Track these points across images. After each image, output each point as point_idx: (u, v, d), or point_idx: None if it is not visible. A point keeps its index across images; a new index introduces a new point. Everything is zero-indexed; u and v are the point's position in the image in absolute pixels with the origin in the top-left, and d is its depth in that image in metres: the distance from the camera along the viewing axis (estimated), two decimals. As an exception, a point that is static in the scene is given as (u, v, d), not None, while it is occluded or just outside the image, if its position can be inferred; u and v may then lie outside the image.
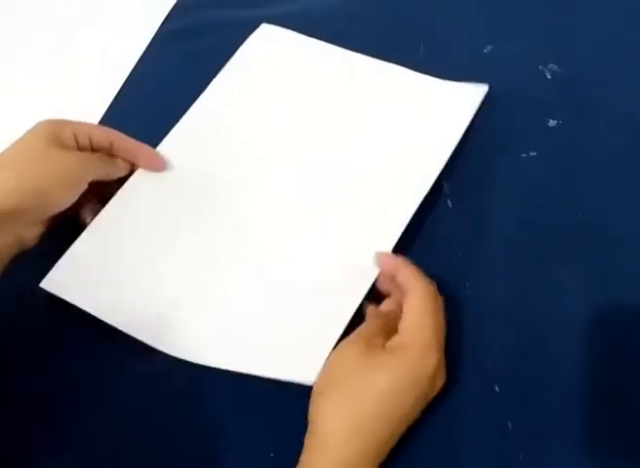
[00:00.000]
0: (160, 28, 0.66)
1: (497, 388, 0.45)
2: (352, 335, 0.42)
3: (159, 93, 0.62)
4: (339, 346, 0.42)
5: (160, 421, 0.45)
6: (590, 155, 0.55)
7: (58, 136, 0.47)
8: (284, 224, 0.51)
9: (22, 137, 0.48)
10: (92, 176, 0.48)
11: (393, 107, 0.57)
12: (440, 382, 0.42)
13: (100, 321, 0.46)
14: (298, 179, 0.53)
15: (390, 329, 0.42)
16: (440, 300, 0.43)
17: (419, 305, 0.42)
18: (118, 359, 0.48)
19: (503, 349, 0.47)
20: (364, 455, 0.38)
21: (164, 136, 0.55)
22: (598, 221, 0.52)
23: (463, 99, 0.56)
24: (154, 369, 0.47)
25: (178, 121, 0.58)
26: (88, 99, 0.61)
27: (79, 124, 0.50)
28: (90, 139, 0.49)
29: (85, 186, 0.48)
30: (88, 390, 0.47)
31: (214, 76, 0.61)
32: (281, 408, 0.42)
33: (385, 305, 0.45)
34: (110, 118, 0.60)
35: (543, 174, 0.54)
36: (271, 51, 0.62)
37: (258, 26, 0.65)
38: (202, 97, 0.58)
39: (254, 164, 0.54)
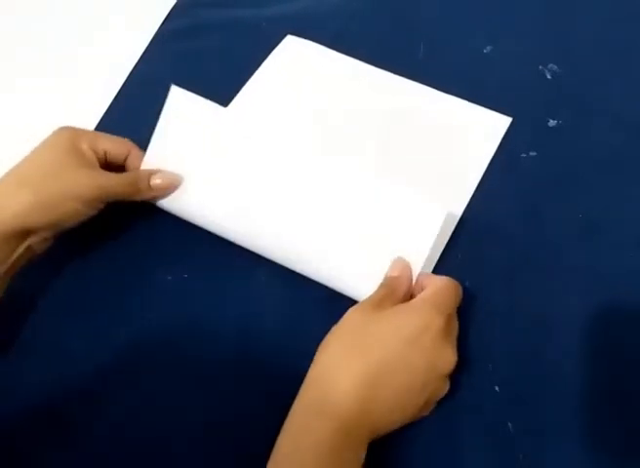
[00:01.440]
0: (160, 28, 0.66)
1: (497, 389, 0.45)
2: (361, 302, 0.44)
3: (159, 93, 0.61)
4: (348, 311, 0.43)
5: (166, 422, 0.45)
6: (590, 155, 0.55)
7: (76, 149, 0.47)
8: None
9: (41, 148, 0.47)
10: (109, 199, 0.48)
11: (420, 125, 0.57)
12: (448, 357, 0.41)
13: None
14: (324, 195, 0.53)
15: (397, 299, 0.44)
16: (458, 299, 0.44)
17: (438, 286, 0.44)
18: (126, 356, 0.48)
19: (504, 350, 0.47)
20: (358, 398, 0.39)
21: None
22: (598, 221, 0.52)
23: (490, 128, 0.57)
24: (162, 368, 0.47)
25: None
26: (88, 99, 0.61)
27: (97, 137, 0.50)
28: (105, 153, 0.50)
29: (102, 206, 0.48)
30: (97, 388, 0.47)
31: (213, 76, 0.62)
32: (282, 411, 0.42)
33: (392, 271, 0.46)
34: (110, 118, 0.60)
35: (543, 174, 0.54)
36: (297, 63, 0.62)
37: (257, 26, 0.65)
38: (229, 107, 0.59)
39: (281, 173, 0.54)
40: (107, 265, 0.51)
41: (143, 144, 0.52)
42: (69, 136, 0.48)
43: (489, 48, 0.62)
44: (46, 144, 0.48)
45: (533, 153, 0.56)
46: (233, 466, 0.44)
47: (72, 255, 0.52)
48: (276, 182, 0.52)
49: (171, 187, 0.50)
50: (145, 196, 0.50)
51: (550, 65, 0.60)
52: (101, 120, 0.60)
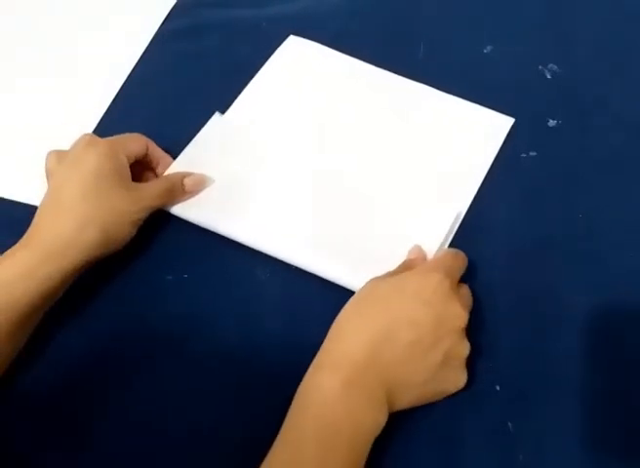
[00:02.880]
0: (160, 28, 0.66)
1: (497, 388, 0.45)
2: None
3: (159, 92, 0.62)
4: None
5: (166, 421, 0.45)
6: (590, 155, 0.55)
7: (117, 164, 0.48)
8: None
9: (87, 173, 0.47)
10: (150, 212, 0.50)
11: (424, 126, 0.57)
12: (455, 310, 0.42)
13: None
14: (325, 191, 0.53)
15: None
16: (458, 261, 0.47)
17: (437, 255, 0.48)
18: (126, 356, 0.48)
19: (504, 349, 0.47)
20: (364, 352, 0.40)
21: (164, 135, 0.55)
22: (598, 221, 0.52)
23: (493, 128, 0.57)
24: (161, 368, 0.47)
25: (177, 121, 0.58)
26: (88, 99, 0.61)
27: (125, 142, 0.50)
28: (135, 156, 0.51)
29: (142, 222, 0.50)
30: (96, 388, 0.47)
31: (214, 76, 0.62)
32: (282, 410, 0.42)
33: (409, 255, 0.49)
34: (110, 118, 0.60)
35: (543, 174, 0.54)
36: (300, 63, 0.62)
37: (257, 26, 0.65)
38: (232, 107, 0.59)
39: (282, 172, 0.55)
40: (107, 265, 0.51)
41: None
42: (108, 151, 0.48)
43: (489, 48, 0.62)
44: (90, 166, 0.47)
45: (533, 153, 0.56)
46: (234, 465, 0.44)
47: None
48: (291, 185, 0.54)
49: (201, 186, 0.52)
50: (179, 199, 0.52)
51: (550, 65, 0.60)
52: (101, 120, 0.60)
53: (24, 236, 0.46)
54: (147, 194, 0.49)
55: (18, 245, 0.46)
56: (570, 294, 0.48)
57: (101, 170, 0.47)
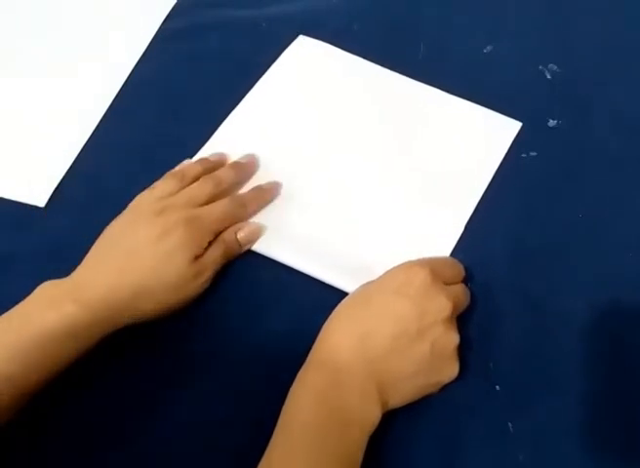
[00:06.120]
0: (160, 28, 0.66)
1: (497, 388, 0.45)
2: None
3: (159, 93, 0.62)
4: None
5: (166, 421, 0.45)
6: (590, 155, 0.55)
7: (197, 254, 0.46)
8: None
9: (166, 257, 0.45)
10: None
11: (433, 129, 0.57)
12: (440, 303, 0.42)
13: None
14: (332, 197, 0.54)
15: None
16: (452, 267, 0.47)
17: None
18: (125, 356, 0.48)
19: (505, 349, 0.47)
20: (348, 349, 0.41)
21: (164, 136, 0.55)
22: (598, 221, 0.52)
23: (500, 132, 0.57)
24: (161, 367, 0.47)
25: (178, 121, 0.58)
26: (88, 99, 0.61)
27: (213, 227, 0.48)
28: None
29: None
30: (97, 388, 0.47)
31: (213, 76, 0.62)
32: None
33: None
34: (110, 118, 0.59)
35: (543, 174, 0.54)
36: (309, 63, 0.62)
37: (257, 26, 0.65)
38: (239, 107, 0.59)
39: (290, 171, 0.55)
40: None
41: (142, 145, 0.52)
42: (194, 242, 0.46)
43: (489, 48, 0.62)
44: (172, 253, 0.45)
45: (533, 153, 0.56)
46: (234, 464, 0.44)
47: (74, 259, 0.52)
48: (298, 190, 0.54)
49: (257, 236, 0.50)
50: (238, 255, 0.50)
51: (550, 65, 0.60)
52: (102, 120, 0.59)
53: (70, 282, 0.44)
54: (209, 265, 0.47)
55: (60, 290, 0.44)
56: (570, 295, 0.49)
57: (181, 261, 0.45)
